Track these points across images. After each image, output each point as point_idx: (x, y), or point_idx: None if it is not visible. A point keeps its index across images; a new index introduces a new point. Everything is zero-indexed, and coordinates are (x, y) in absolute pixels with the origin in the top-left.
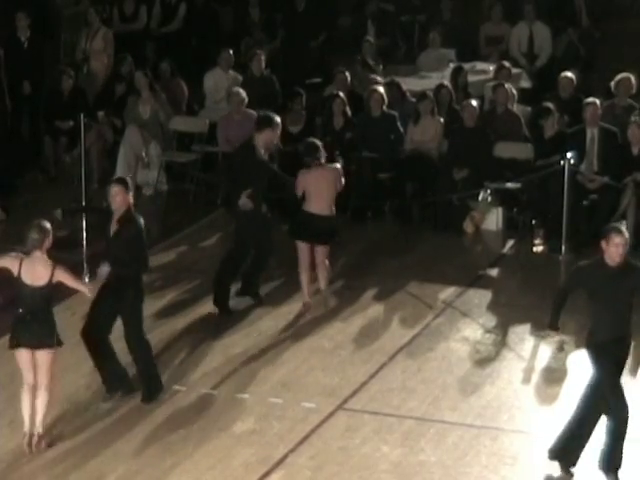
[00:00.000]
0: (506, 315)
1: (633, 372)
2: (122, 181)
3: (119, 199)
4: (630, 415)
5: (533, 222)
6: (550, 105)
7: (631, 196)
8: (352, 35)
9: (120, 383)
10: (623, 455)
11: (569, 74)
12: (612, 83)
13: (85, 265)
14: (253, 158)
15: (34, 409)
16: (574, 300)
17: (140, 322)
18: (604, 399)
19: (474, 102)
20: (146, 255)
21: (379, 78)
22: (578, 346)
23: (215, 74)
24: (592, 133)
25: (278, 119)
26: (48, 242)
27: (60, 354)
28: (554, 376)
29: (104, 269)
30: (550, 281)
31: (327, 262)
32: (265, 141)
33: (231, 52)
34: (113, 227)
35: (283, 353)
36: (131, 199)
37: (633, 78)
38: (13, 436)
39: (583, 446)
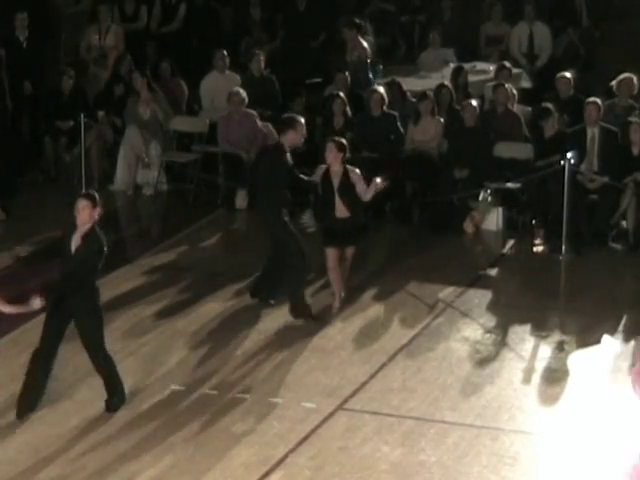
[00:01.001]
0: (506, 315)
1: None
2: (90, 196)
3: (85, 214)
4: None
5: (533, 222)
6: (550, 105)
7: (631, 196)
8: None
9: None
10: None
11: (566, 74)
12: (614, 83)
13: None
14: (280, 161)
15: None
16: (574, 301)
17: (102, 342)
18: None
19: (474, 102)
20: (95, 278)
21: (364, 42)
22: (578, 346)
23: (211, 78)
24: (592, 133)
25: (301, 120)
26: None
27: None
28: (554, 376)
29: (36, 303)
30: (550, 281)
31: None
32: (290, 143)
33: (225, 52)
34: (76, 242)
35: (283, 353)
36: (97, 215)
37: (635, 78)
38: (14, 436)
39: None
